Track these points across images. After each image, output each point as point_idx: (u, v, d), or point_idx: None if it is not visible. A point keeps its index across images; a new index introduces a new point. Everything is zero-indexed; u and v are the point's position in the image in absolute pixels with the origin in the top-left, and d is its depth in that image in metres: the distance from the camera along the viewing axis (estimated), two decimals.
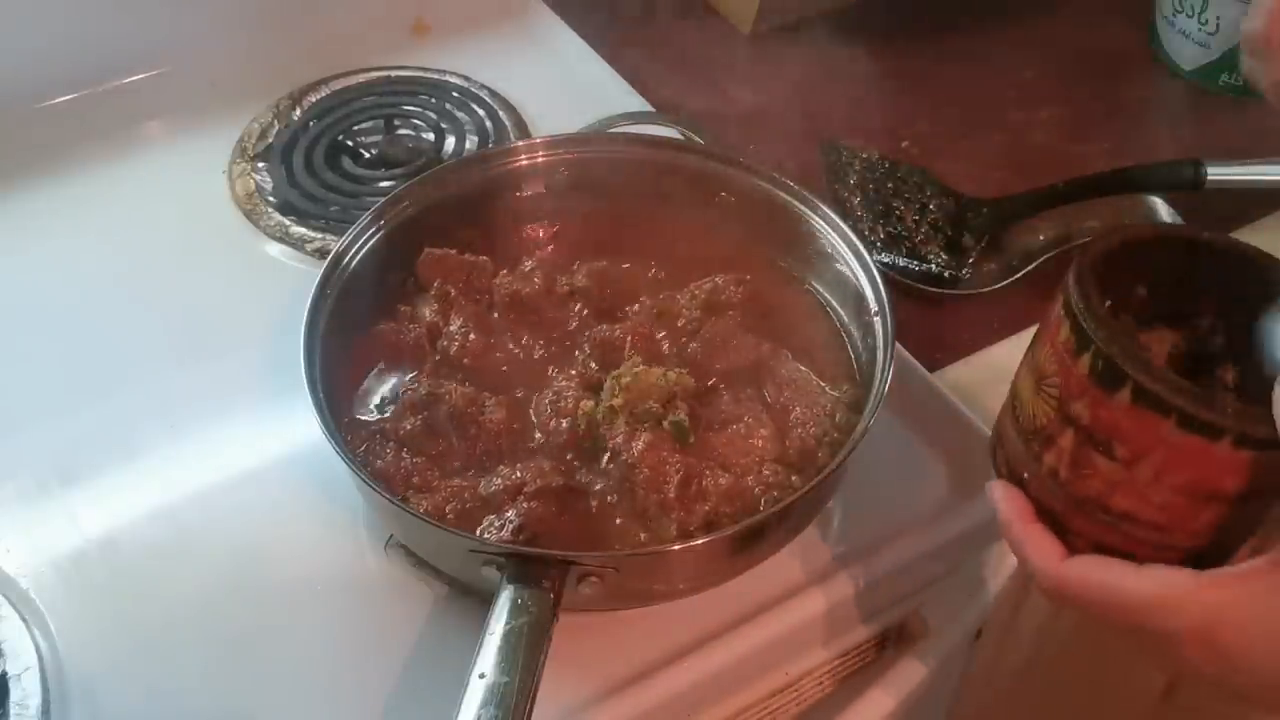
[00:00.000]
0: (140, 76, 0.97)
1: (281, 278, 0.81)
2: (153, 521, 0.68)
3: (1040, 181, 0.88)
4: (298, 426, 0.66)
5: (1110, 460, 0.48)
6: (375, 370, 0.70)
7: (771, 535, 0.62)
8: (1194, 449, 0.46)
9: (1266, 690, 0.46)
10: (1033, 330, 0.80)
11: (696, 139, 0.82)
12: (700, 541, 0.59)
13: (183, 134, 0.94)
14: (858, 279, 0.71)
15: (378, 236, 0.73)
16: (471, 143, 0.93)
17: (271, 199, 0.88)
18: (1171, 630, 0.47)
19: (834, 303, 0.74)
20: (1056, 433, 0.50)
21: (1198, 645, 0.46)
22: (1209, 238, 0.53)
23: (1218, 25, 0.99)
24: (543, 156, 0.78)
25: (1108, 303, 0.49)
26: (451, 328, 0.71)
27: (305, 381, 0.63)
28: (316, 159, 0.91)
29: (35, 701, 0.59)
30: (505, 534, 0.60)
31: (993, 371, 0.79)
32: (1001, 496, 0.54)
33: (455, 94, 0.98)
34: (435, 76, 1.00)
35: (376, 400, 0.69)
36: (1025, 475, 0.53)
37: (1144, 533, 0.49)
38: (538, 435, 0.66)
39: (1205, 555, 0.49)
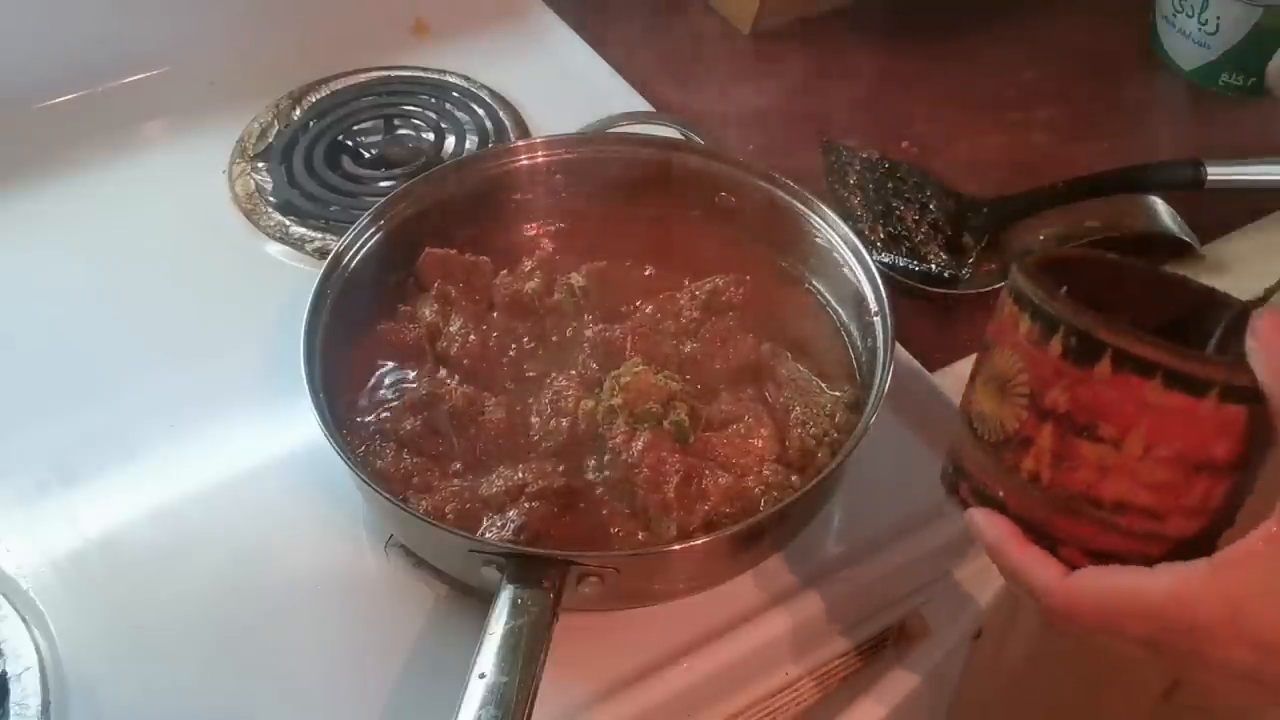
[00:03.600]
0: (140, 76, 0.97)
1: (281, 278, 0.81)
2: (153, 521, 0.68)
3: (1040, 181, 0.88)
4: (298, 426, 0.66)
5: (1096, 443, 0.47)
6: (375, 370, 0.70)
7: (771, 535, 0.62)
8: (1180, 410, 0.45)
9: None
10: None
11: (696, 139, 0.82)
12: (700, 541, 0.59)
13: (183, 134, 0.94)
14: (858, 279, 0.71)
15: (378, 236, 0.73)
16: (471, 143, 0.93)
17: (271, 199, 0.88)
18: (1198, 624, 0.45)
19: (834, 303, 0.74)
20: (1033, 432, 0.48)
21: (1227, 633, 0.44)
22: (1133, 263, 0.53)
23: (1218, 25, 0.99)
24: (543, 156, 0.78)
25: (1063, 289, 0.48)
26: (451, 328, 0.71)
27: (305, 381, 0.63)
28: (316, 159, 0.91)
29: (35, 701, 0.59)
30: (506, 534, 0.60)
31: None
32: (984, 522, 0.51)
33: (455, 94, 0.98)
34: (435, 76, 1.00)
35: (376, 400, 0.69)
36: (1001, 494, 0.51)
37: (1137, 522, 0.48)
38: (538, 435, 0.66)
39: (1198, 544, 0.48)
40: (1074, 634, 0.49)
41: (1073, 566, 0.49)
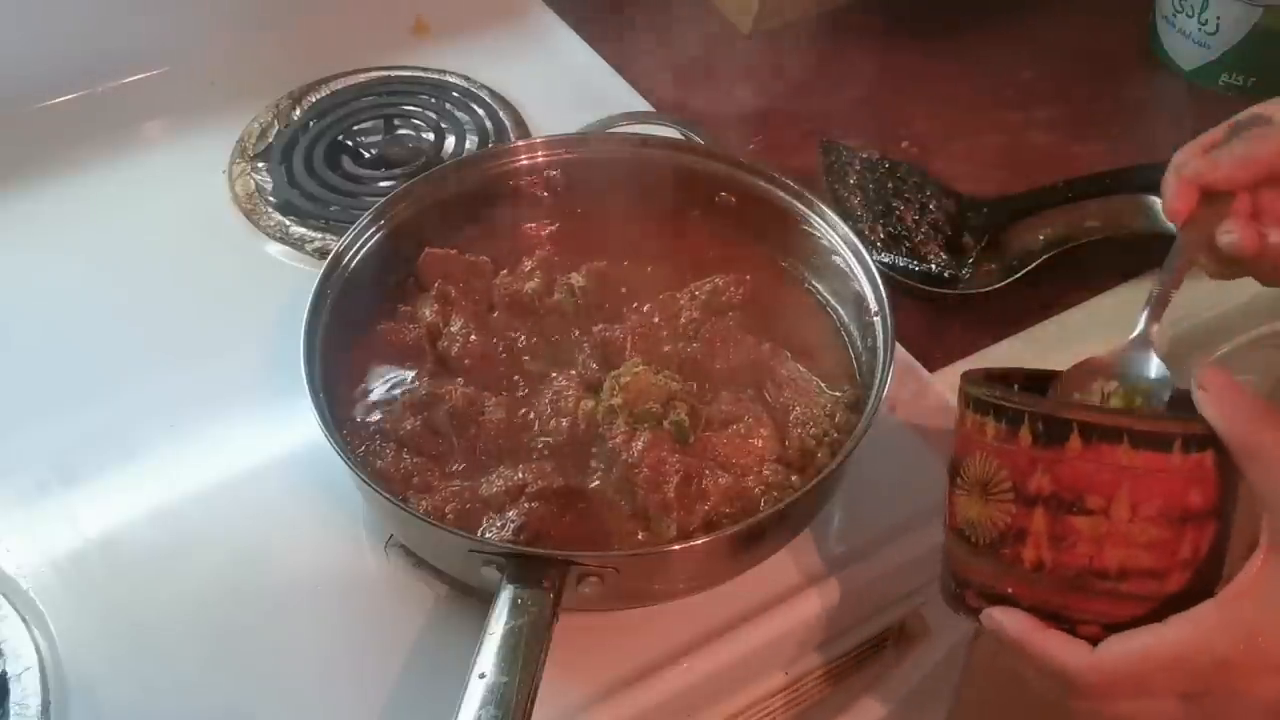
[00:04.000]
0: (140, 76, 0.97)
1: (281, 278, 0.81)
2: (153, 521, 0.68)
3: (1040, 181, 0.88)
4: (298, 426, 0.66)
5: (1087, 515, 0.49)
6: (375, 370, 0.70)
7: (771, 535, 0.62)
8: (1153, 467, 0.48)
9: None
10: (1033, 330, 0.81)
11: (696, 139, 0.82)
12: (700, 541, 0.59)
13: (183, 134, 0.94)
14: (858, 279, 0.71)
15: (378, 236, 0.73)
16: (471, 143, 0.93)
17: (271, 199, 0.88)
18: (1217, 659, 0.47)
19: (834, 303, 0.74)
20: (1025, 522, 0.50)
21: (1248, 664, 0.46)
22: (1029, 372, 0.58)
23: (1218, 25, 0.99)
24: (543, 156, 0.78)
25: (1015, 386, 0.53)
26: (451, 328, 0.71)
27: (305, 381, 0.63)
28: (316, 159, 0.91)
29: (35, 701, 0.59)
30: (506, 534, 0.60)
31: None
32: (1004, 618, 0.52)
33: (455, 94, 0.98)
34: (435, 76, 1.00)
35: (376, 400, 0.69)
36: (1010, 590, 0.52)
37: (1142, 586, 0.49)
38: (538, 435, 0.66)
39: (1198, 595, 0.49)
40: (1109, 714, 0.50)
41: (1094, 642, 0.50)
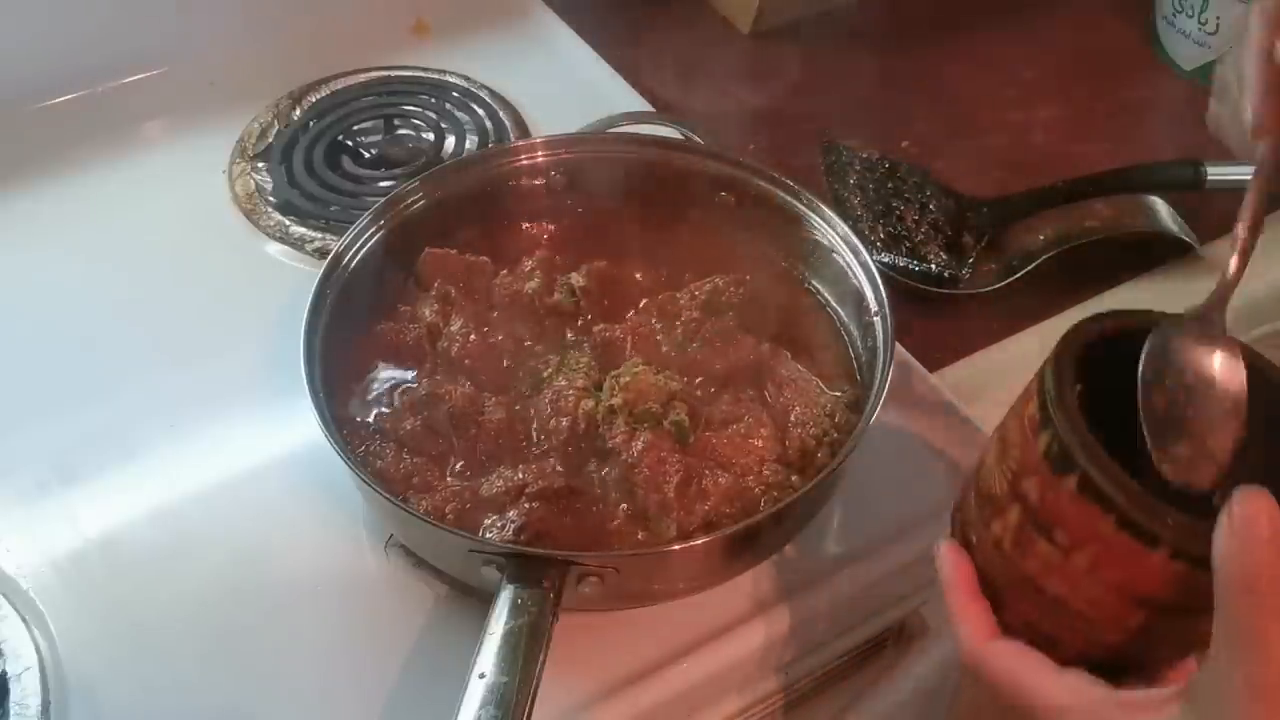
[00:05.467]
0: (140, 76, 0.97)
1: (281, 278, 0.81)
2: (153, 521, 0.68)
3: (1040, 181, 0.88)
4: (298, 426, 0.66)
5: (1050, 544, 0.47)
6: (375, 370, 0.70)
7: (771, 535, 0.62)
8: (1129, 551, 0.44)
9: None
10: (1033, 330, 0.81)
11: (696, 139, 0.82)
12: (700, 541, 0.59)
13: (183, 134, 0.94)
14: (858, 279, 0.71)
15: (378, 236, 0.73)
16: (471, 143, 0.93)
17: (271, 199, 0.88)
18: None
19: (834, 303, 0.74)
20: (1006, 505, 0.49)
21: None
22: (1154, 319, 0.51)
23: (1217, 25, 0.99)
24: (543, 156, 0.78)
25: (1079, 387, 0.48)
26: (451, 328, 0.71)
27: (305, 381, 0.63)
28: (316, 159, 0.91)
29: (35, 701, 0.59)
30: (506, 534, 0.60)
31: (993, 371, 0.79)
32: (946, 560, 0.53)
33: (455, 94, 0.98)
34: (435, 76, 1.00)
35: (376, 400, 0.69)
36: (974, 540, 0.52)
37: (1074, 622, 0.48)
38: (538, 435, 0.66)
39: (1133, 659, 0.48)
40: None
41: (1011, 633, 0.50)
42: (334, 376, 0.66)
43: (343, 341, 0.68)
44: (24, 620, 0.62)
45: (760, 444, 0.65)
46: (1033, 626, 0.50)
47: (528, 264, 0.75)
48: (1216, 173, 0.86)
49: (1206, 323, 0.50)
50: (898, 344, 0.67)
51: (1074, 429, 0.46)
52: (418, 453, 0.65)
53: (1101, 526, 0.45)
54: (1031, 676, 0.48)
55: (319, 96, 0.97)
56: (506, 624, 0.54)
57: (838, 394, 0.69)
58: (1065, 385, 0.48)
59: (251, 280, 0.82)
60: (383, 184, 0.89)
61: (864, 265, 0.70)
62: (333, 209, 0.87)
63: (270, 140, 0.93)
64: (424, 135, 0.94)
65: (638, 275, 0.76)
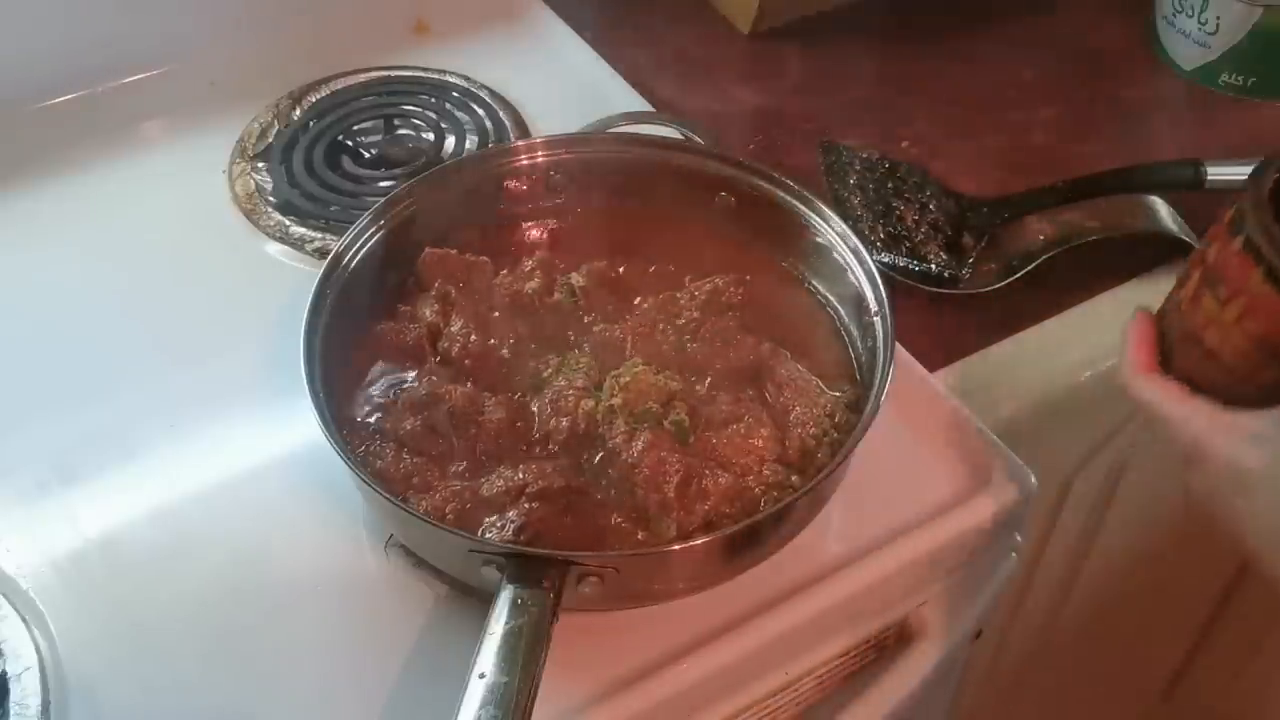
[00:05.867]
0: (140, 76, 0.97)
1: (281, 278, 0.81)
2: (153, 521, 0.68)
3: (1040, 181, 0.88)
4: (298, 426, 0.66)
5: (1213, 298, 0.57)
6: (375, 371, 0.70)
7: (771, 535, 0.62)
8: (1272, 304, 0.54)
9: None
10: (1033, 330, 0.81)
11: (696, 139, 0.82)
12: (700, 541, 0.59)
13: (183, 134, 0.94)
14: (858, 279, 0.71)
15: (378, 236, 0.73)
16: (471, 143, 0.93)
17: (271, 199, 0.88)
18: (1176, 442, 0.58)
19: (834, 303, 0.74)
20: (1193, 270, 0.59)
21: (1192, 463, 0.57)
22: None
23: (1217, 25, 0.99)
24: (543, 156, 0.78)
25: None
26: (452, 328, 0.71)
27: (305, 381, 0.63)
28: (316, 159, 0.91)
29: (35, 701, 0.59)
30: (506, 534, 0.60)
31: (993, 371, 0.79)
32: (1137, 318, 0.63)
33: (455, 94, 0.98)
34: (435, 76, 1.00)
35: (376, 400, 0.69)
36: (1167, 306, 0.63)
37: (1221, 375, 0.57)
38: (538, 435, 0.66)
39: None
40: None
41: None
42: (334, 376, 0.66)
43: (343, 341, 0.68)
44: (24, 620, 0.62)
45: (760, 444, 0.65)
46: (1190, 379, 0.59)
47: (528, 264, 0.75)
48: (1216, 173, 0.86)
49: None
50: (898, 344, 0.67)
51: (1254, 202, 0.55)
52: (418, 453, 0.65)
53: (1253, 279, 0.54)
54: (1167, 398, 0.59)
55: (319, 96, 0.97)
56: (506, 624, 0.54)
57: (838, 394, 0.69)
58: (1263, 178, 0.56)
59: (251, 280, 0.82)
60: (383, 184, 0.89)
61: (864, 265, 0.70)
62: (333, 209, 0.87)
63: (270, 140, 0.93)
64: (424, 135, 0.94)
65: (637, 275, 0.76)
